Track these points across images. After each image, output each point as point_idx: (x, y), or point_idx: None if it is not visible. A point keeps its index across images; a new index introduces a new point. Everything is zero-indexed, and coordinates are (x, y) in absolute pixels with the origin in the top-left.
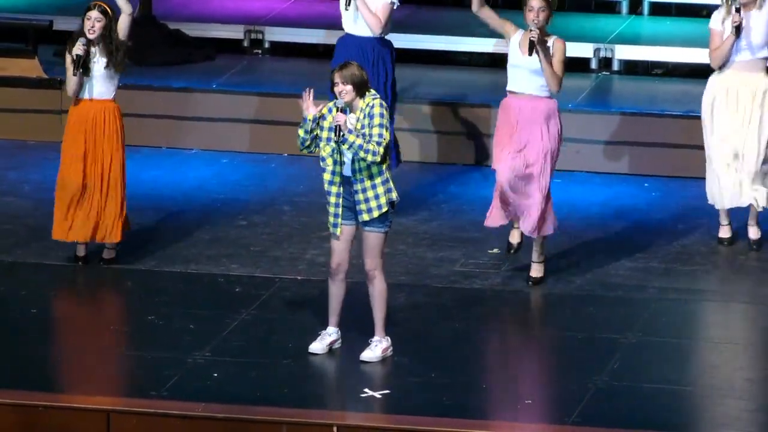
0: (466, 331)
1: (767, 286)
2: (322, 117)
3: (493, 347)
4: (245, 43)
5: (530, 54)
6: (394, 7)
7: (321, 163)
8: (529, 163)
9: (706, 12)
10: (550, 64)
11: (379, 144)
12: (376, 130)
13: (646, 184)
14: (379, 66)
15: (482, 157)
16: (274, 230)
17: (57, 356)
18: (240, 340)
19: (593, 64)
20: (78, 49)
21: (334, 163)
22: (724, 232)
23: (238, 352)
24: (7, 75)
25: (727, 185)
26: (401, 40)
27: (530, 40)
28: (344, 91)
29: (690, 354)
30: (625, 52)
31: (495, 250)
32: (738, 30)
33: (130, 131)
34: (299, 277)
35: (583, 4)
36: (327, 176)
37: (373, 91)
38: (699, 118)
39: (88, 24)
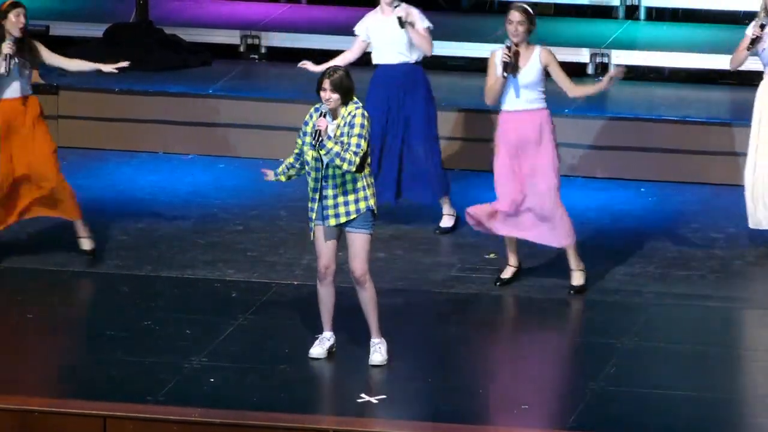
0: (463, 335)
1: (763, 291)
2: (304, 123)
3: (490, 352)
4: (242, 49)
5: (506, 73)
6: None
7: (306, 167)
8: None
9: (702, 16)
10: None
11: (356, 154)
12: (354, 140)
13: (642, 189)
14: (427, 89)
15: (477, 161)
16: (270, 235)
17: (53, 361)
18: (236, 345)
19: (590, 69)
20: (7, 48)
21: (316, 170)
22: None
23: (234, 357)
24: None
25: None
26: None
27: (503, 62)
28: (331, 98)
29: (686, 359)
30: (621, 57)
31: (491, 255)
32: (754, 42)
33: (128, 136)
34: (295, 282)
35: (579, 9)
36: (309, 179)
37: (356, 99)
38: (695, 123)
39: (19, 21)
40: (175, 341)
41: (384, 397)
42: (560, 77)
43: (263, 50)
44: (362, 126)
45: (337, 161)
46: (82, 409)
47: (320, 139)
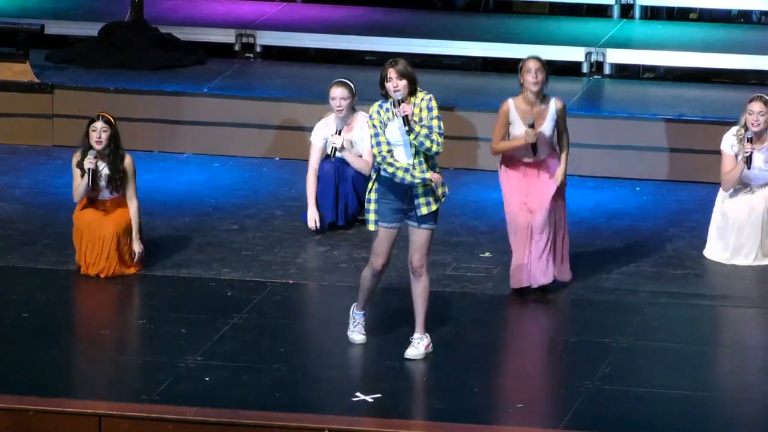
0: (458, 335)
1: (758, 290)
2: (372, 125)
3: (485, 351)
4: (236, 47)
5: (534, 154)
6: None
7: (383, 163)
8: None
9: (696, 15)
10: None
11: (441, 134)
12: (435, 122)
13: (637, 188)
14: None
15: (473, 160)
16: (265, 234)
17: (48, 360)
18: (231, 344)
19: (584, 68)
20: (89, 162)
21: (390, 164)
22: None
23: (229, 356)
24: None
25: None
26: (394, 44)
27: (532, 145)
28: (399, 85)
29: (681, 358)
30: (616, 56)
31: (486, 254)
32: (748, 160)
33: (122, 135)
34: (290, 281)
35: (574, 8)
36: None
37: (421, 90)
38: (690, 121)
39: (94, 135)
40: (170, 340)
41: (379, 395)
42: (560, 129)
43: (258, 49)
44: (438, 108)
45: (427, 143)
46: (78, 408)
47: (409, 123)
